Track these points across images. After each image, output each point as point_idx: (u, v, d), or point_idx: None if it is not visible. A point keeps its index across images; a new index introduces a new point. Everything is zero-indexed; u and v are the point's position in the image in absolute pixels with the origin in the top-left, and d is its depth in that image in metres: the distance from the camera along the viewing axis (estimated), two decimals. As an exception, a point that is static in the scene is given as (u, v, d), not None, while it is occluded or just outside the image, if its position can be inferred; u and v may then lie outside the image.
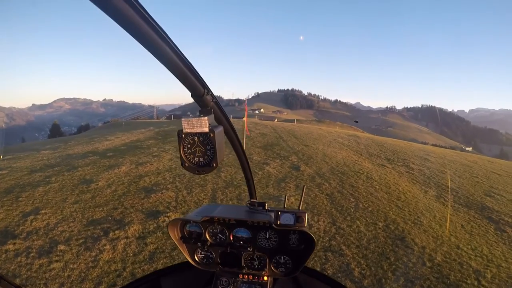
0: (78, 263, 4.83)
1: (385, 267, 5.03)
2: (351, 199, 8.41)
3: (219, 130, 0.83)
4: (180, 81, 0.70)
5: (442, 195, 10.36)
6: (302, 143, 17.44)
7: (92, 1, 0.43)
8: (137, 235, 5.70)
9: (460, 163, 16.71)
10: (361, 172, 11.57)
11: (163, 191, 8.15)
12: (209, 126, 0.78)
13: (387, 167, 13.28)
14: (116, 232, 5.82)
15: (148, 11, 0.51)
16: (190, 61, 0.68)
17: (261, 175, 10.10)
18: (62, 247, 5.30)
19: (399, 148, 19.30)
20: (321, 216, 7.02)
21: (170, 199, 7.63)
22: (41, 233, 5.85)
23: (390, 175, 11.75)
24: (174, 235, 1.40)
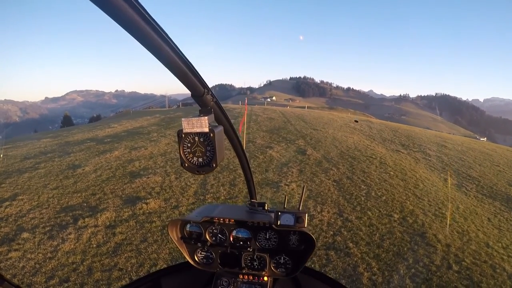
0: (36, 253, 4.33)
1: (402, 271, 4.05)
2: (362, 186, 7.42)
3: (219, 130, 0.81)
4: (180, 81, 0.68)
5: (463, 184, 9.43)
6: (311, 127, 16.44)
7: (91, 0, 0.41)
8: (108, 224, 5.00)
9: (479, 151, 15.64)
10: (374, 157, 10.50)
11: (149, 176, 7.41)
12: (209, 126, 0.76)
13: (402, 153, 12.18)
14: (86, 219, 5.15)
15: (148, 11, 0.49)
16: (190, 61, 0.66)
17: (261, 159, 9.15)
18: (26, 235, 4.82)
19: (414, 133, 18.16)
20: (325, 206, 6.08)
21: (155, 184, 6.88)
22: (11, 219, 5.42)
23: (405, 161, 10.65)
24: (174, 235, 1.38)
